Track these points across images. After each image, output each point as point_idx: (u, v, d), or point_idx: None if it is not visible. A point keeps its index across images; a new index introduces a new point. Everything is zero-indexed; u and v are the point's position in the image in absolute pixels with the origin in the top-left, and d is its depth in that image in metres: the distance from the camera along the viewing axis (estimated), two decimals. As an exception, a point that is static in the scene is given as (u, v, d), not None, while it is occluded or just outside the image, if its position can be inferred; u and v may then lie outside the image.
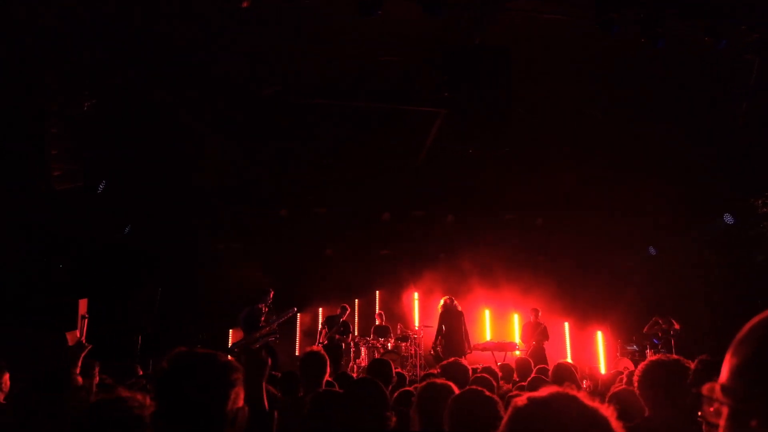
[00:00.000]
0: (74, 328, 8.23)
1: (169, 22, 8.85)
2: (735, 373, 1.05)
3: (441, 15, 8.32)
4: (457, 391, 3.26)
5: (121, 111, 10.74)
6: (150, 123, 11.14)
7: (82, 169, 10.30)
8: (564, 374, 4.92)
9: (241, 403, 1.82)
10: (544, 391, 1.38)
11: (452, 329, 10.96)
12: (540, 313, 12.12)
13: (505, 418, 1.40)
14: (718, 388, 1.08)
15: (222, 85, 10.68)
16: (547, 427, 1.32)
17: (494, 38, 9.67)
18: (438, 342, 10.94)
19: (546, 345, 12.00)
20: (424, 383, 3.51)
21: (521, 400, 1.38)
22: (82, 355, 3.84)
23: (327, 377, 4.71)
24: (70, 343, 3.72)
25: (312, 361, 4.62)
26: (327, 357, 4.68)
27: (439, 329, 11.02)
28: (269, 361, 2.61)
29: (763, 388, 1.00)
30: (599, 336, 14.46)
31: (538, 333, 11.83)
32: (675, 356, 3.17)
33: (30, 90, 9.33)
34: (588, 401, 1.36)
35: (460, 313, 11.20)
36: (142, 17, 8.73)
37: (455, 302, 11.30)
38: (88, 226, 11.08)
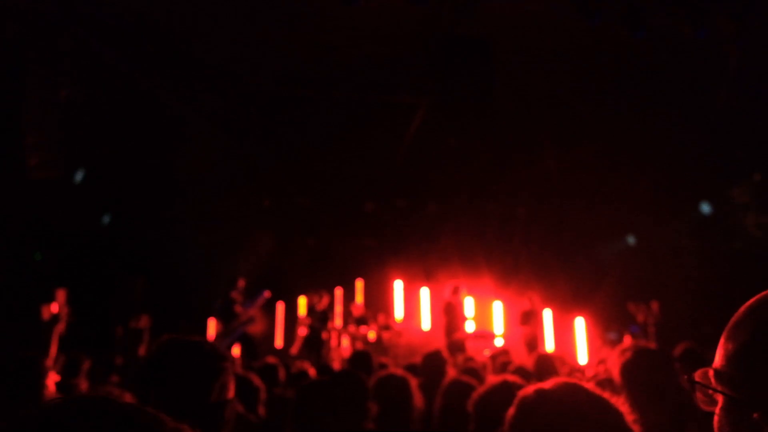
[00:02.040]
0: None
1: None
2: (731, 358, 0.97)
3: (425, 2, 8.27)
4: (413, 382, 3.29)
5: (100, 98, 10.54)
6: (133, 112, 10.96)
7: (61, 159, 10.11)
8: (547, 365, 4.94)
9: (231, 394, 1.73)
10: (550, 382, 1.32)
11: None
12: (536, 300, 12.21)
13: (512, 409, 1.33)
14: (711, 374, 0.99)
15: (207, 75, 10.55)
16: (556, 417, 1.24)
17: (479, 29, 9.63)
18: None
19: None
20: (379, 374, 3.53)
21: (528, 390, 1.32)
22: (58, 330, 3.70)
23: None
24: (45, 317, 3.48)
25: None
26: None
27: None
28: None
29: (762, 375, 0.92)
30: (580, 324, 14.59)
31: (535, 319, 11.95)
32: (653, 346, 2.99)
33: (14, 78, 9.13)
34: (596, 390, 1.30)
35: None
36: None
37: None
38: (68, 216, 10.92)
